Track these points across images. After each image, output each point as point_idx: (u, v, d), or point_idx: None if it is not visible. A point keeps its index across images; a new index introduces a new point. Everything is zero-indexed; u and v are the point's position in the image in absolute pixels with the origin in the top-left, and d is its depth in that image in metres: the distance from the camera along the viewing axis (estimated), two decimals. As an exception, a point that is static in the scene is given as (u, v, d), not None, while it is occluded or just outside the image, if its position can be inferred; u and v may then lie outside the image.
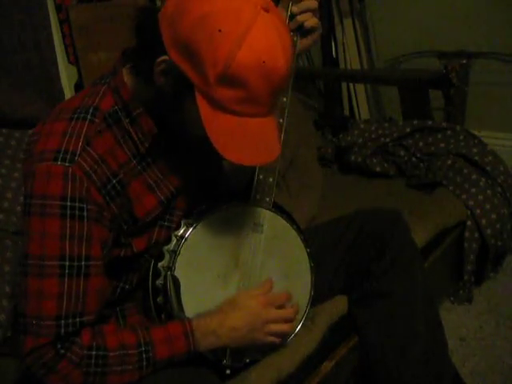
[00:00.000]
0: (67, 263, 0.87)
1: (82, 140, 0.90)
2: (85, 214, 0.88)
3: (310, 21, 1.06)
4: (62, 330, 0.87)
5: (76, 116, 0.92)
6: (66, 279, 0.87)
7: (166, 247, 1.04)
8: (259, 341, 1.03)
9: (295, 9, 1.06)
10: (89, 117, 0.92)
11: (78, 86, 2.02)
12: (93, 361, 0.88)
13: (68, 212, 0.87)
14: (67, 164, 0.87)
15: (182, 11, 0.83)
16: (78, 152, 0.88)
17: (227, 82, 0.82)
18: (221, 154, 0.86)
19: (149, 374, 0.93)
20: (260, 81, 0.83)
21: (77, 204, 0.87)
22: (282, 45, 0.85)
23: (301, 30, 1.08)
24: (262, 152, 0.90)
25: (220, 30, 0.80)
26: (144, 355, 0.92)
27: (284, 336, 1.09)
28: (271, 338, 1.05)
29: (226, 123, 0.86)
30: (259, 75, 0.82)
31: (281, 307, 1.06)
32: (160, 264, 1.03)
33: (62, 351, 0.86)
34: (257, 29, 0.82)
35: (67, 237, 0.87)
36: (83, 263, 0.89)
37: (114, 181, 0.93)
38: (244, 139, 0.87)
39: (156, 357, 0.92)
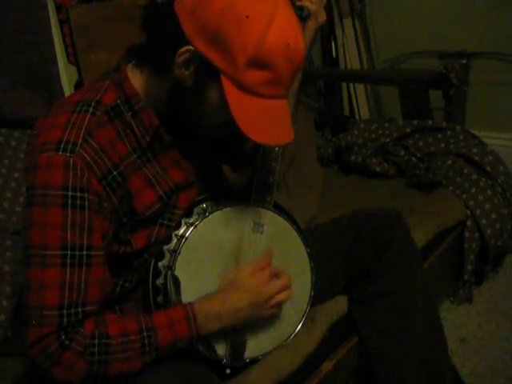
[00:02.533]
0: (69, 252, 0.88)
1: (83, 131, 0.91)
2: (86, 203, 0.89)
3: (306, 1, 1.09)
4: (65, 320, 0.87)
5: (78, 109, 0.93)
6: (68, 268, 0.88)
7: (166, 246, 1.04)
8: (263, 315, 1.05)
9: None
10: (91, 109, 0.93)
11: (78, 86, 2.02)
12: (96, 349, 0.88)
13: (69, 202, 0.88)
14: (68, 154, 0.88)
15: (205, 1, 0.86)
16: (79, 143, 0.89)
17: (257, 65, 0.86)
18: (247, 136, 0.88)
19: (152, 359, 0.93)
20: (285, 62, 0.87)
21: (78, 194, 0.88)
22: (300, 27, 0.91)
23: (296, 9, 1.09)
24: (284, 132, 0.94)
25: (247, 16, 0.84)
26: (146, 340, 0.92)
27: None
28: (274, 310, 1.06)
29: (252, 106, 0.89)
30: (285, 57, 0.87)
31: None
32: (160, 263, 1.03)
33: (66, 342, 0.87)
34: (280, 13, 0.87)
35: (68, 226, 0.88)
36: (85, 253, 0.89)
37: (115, 172, 0.94)
38: (268, 120, 0.91)
39: (158, 341, 0.93)
